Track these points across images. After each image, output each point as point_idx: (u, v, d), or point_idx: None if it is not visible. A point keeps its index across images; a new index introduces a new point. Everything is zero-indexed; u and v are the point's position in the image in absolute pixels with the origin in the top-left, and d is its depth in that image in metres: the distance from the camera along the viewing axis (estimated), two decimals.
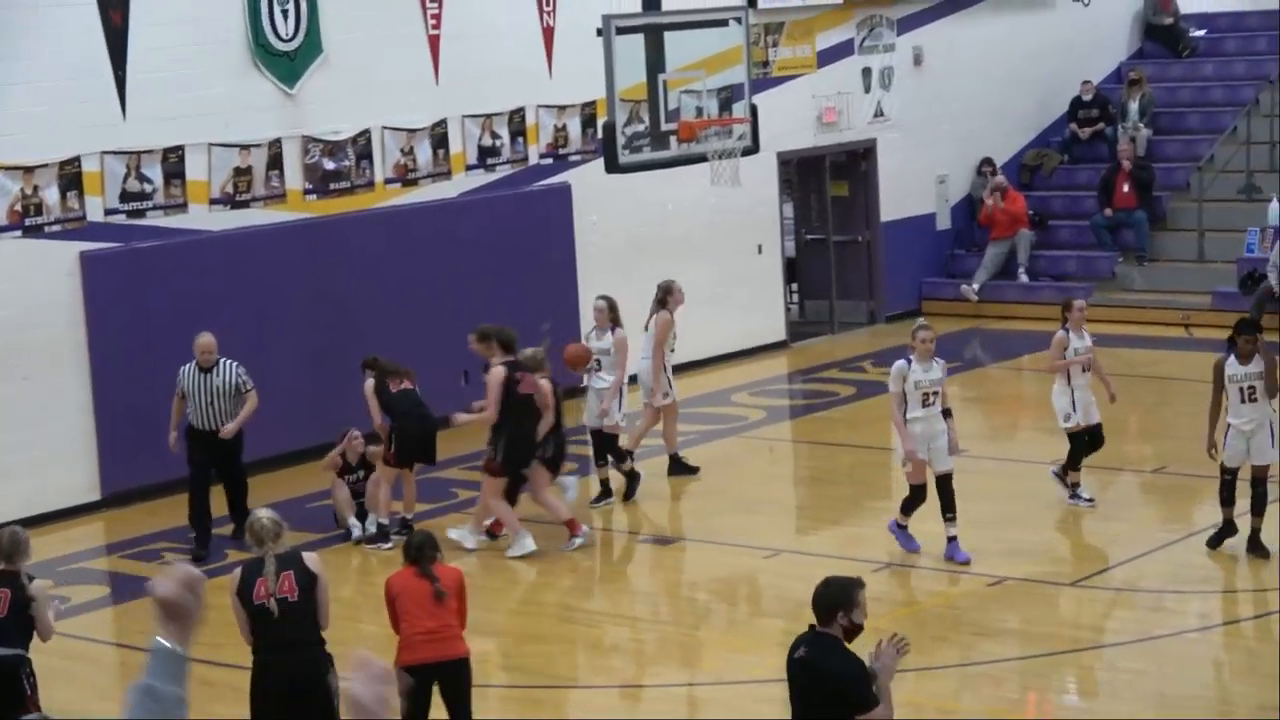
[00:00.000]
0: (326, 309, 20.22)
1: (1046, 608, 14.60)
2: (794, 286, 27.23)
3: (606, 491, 17.93)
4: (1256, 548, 15.26)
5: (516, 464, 16.40)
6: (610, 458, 18.01)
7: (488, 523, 16.87)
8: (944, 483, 15.54)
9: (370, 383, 17.22)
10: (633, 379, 18.54)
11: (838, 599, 9.01)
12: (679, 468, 18.88)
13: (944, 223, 28.01)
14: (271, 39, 19.98)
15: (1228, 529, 15.42)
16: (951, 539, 15.50)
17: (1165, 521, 17.00)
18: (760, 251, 25.20)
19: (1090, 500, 17.08)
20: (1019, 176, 28.52)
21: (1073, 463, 17.17)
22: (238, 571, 10.80)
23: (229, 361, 17.15)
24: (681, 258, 23.74)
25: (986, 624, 14.35)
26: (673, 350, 18.82)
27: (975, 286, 27.17)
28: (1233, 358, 15.31)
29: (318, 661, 10.64)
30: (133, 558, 17.39)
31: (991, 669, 13.45)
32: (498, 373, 16.37)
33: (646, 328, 18.65)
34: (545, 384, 16.61)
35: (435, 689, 11.27)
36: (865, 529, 17.19)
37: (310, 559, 10.82)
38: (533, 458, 16.49)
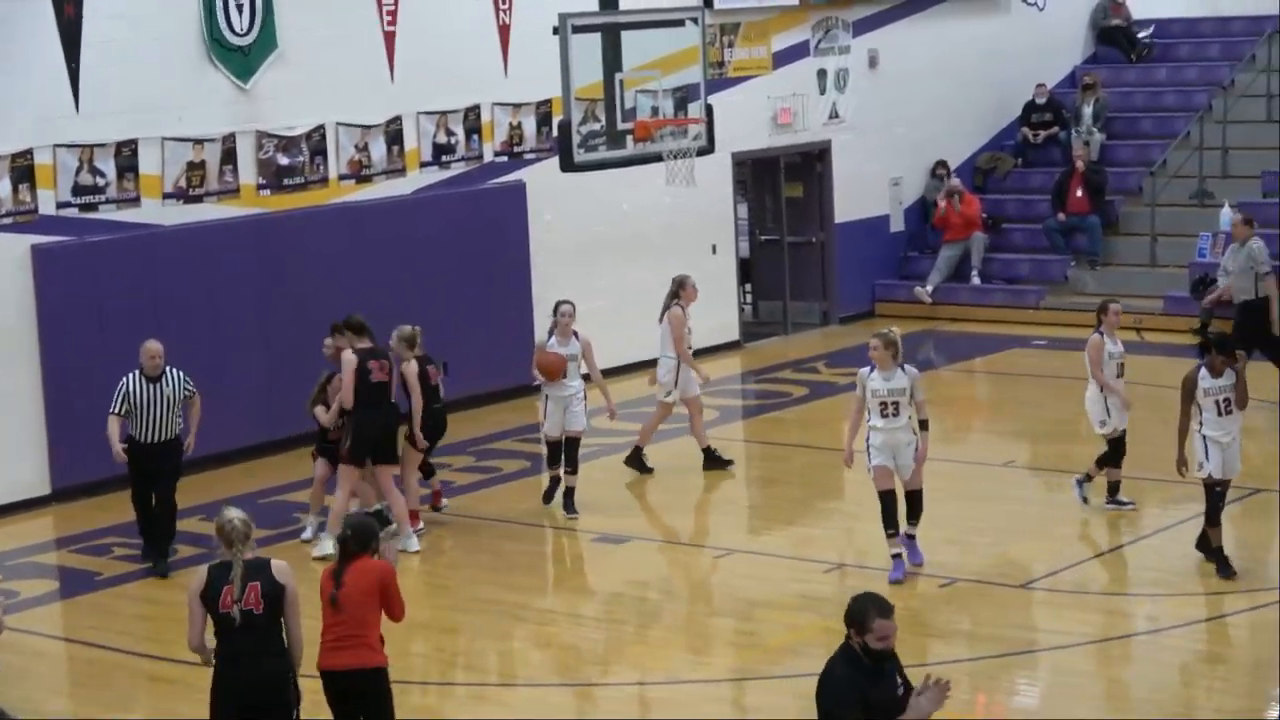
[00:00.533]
0: (280, 304, 20.16)
1: (998, 609, 14.63)
2: (748, 287, 27.26)
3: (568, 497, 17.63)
4: (1221, 563, 15.06)
5: (362, 451, 16.27)
6: (565, 463, 17.51)
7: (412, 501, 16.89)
8: (912, 498, 15.41)
9: (414, 365, 16.86)
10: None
11: (853, 616, 8.78)
12: (713, 462, 18.97)
13: (898, 225, 28.09)
14: (226, 33, 19.91)
15: (1223, 559, 15.03)
16: (910, 537, 15.46)
17: (1116, 524, 17.04)
18: (715, 252, 25.21)
19: (1131, 503, 16.89)
20: (973, 179, 28.62)
21: (1114, 462, 17.00)
22: (204, 572, 10.38)
23: (175, 369, 16.39)
24: (636, 257, 23.76)
25: (938, 625, 14.38)
26: (690, 346, 18.82)
27: (929, 289, 27.24)
28: (1205, 371, 15.05)
29: (278, 674, 10.34)
30: (82, 552, 17.30)
31: (941, 670, 13.44)
32: (349, 359, 16.32)
33: (661, 321, 18.81)
34: (410, 366, 16.64)
35: None
36: (817, 529, 17.22)
37: (279, 568, 10.36)
38: (382, 443, 16.37)
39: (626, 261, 23.73)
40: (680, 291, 18.86)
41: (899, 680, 8.84)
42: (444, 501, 17.79)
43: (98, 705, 13.37)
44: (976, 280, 27.25)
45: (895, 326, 16.43)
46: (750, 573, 15.83)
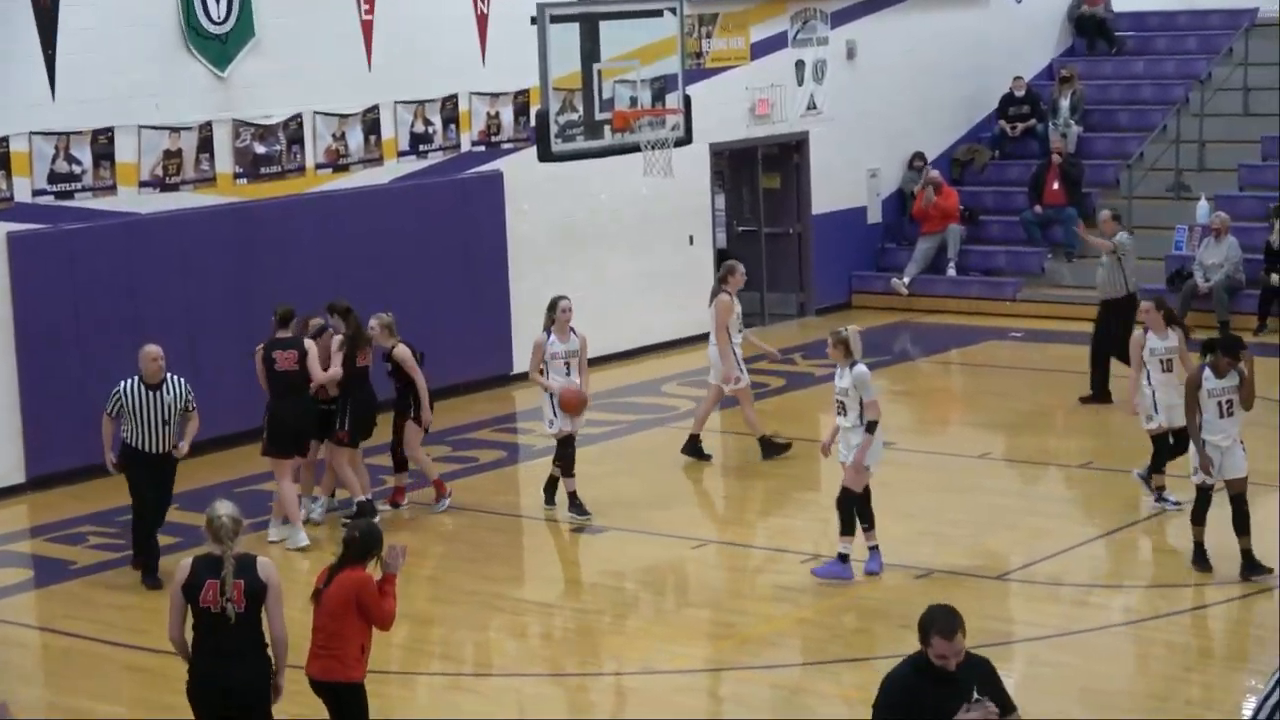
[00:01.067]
0: (256, 293, 20.10)
1: (972, 601, 14.61)
2: None
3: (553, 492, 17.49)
4: (1254, 568, 14.73)
5: (277, 442, 16.44)
6: (556, 461, 17.28)
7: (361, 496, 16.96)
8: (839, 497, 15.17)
9: (404, 349, 17.07)
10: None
11: (919, 625, 8.58)
12: (770, 449, 18.95)
13: (875, 216, 28.11)
14: (203, 21, 19.86)
15: (1202, 555, 14.92)
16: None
17: (1091, 516, 17.08)
18: (691, 243, 25.22)
19: (1177, 504, 16.45)
20: (950, 171, 28.64)
21: (1156, 465, 16.68)
22: (188, 564, 10.29)
23: (176, 377, 15.60)
24: (613, 248, 23.78)
25: (913, 616, 14.25)
26: (740, 331, 18.82)
27: (905, 280, 27.27)
28: (1208, 372, 14.68)
29: (258, 672, 10.28)
30: (57, 541, 17.26)
31: None
32: (258, 351, 16.67)
33: (710, 306, 18.85)
34: (401, 350, 16.82)
35: None
36: (793, 520, 17.23)
37: (264, 565, 10.29)
38: (292, 433, 16.48)
39: (603, 252, 23.73)
40: (729, 277, 18.86)
41: (976, 694, 8.49)
42: (405, 500, 17.78)
43: (74, 694, 13.34)
44: (953, 272, 27.30)
45: (854, 325, 16.27)
46: (726, 564, 15.85)
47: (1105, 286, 20.93)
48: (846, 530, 15.02)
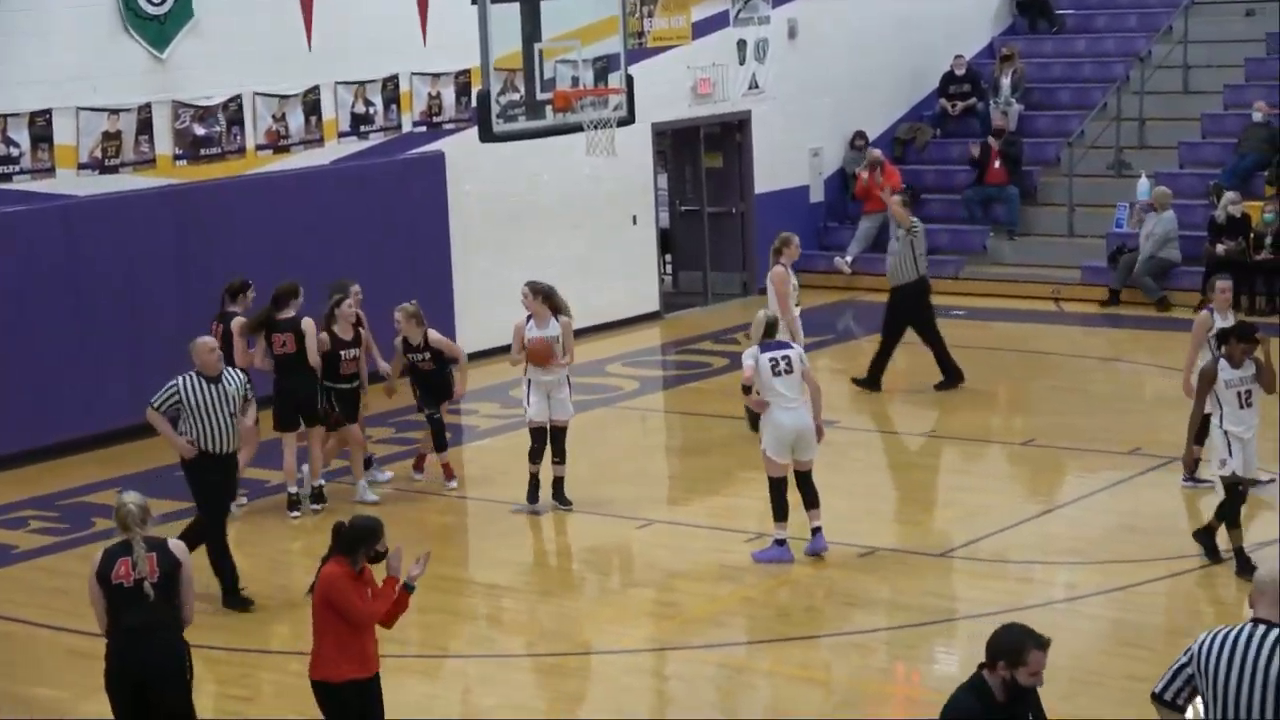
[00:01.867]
0: (197, 275, 20.00)
1: (916, 578, 14.70)
2: (668, 258, 27.28)
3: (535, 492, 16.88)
4: (1245, 567, 14.02)
5: (281, 417, 16.79)
6: (553, 453, 16.70)
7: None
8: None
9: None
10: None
11: (1004, 647, 8.07)
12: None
13: (817, 195, 28.15)
14: (141, 3, 19.75)
15: (1244, 560, 14.12)
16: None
17: (1033, 493, 17.16)
18: (635, 222, 25.21)
19: (1209, 481, 15.71)
20: (892, 150, 28.70)
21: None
22: (99, 555, 10.38)
23: (230, 368, 14.79)
24: (556, 228, 23.74)
25: (857, 594, 14.44)
26: (797, 304, 18.80)
27: (848, 259, 27.31)
28: (1224, 362, 14.24)
29: (173, 645, 10.27)
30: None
31: (861, 639, 13.53)
32: (258, 336, 17.05)
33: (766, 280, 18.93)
34: (309, 332, 16.80)
35: None
36: (738, 499, 17.24)
37: (175, 546, 10.38)
38: (293, 408, 16.74)
39: (546, 232, 23.68)
40: (784, 249, 18.92)
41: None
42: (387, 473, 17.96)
43: (15, 680, 13.28)
44: None
45: (764, 309, 16.12)
46: (671, 543, 15.86)
47: (896, 272, 20.71)
48: (777, 516, 15.04)
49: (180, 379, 14.28)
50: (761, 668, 13.12)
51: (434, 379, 17.39)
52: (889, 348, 20.77)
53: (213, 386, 14.23)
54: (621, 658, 13.35)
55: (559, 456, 16.72)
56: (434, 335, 17.33)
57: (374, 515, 10.60)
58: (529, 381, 16.65)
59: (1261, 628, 7.91)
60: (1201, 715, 8.09)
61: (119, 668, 10.30)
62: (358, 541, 10.18)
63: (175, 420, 14.41)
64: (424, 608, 14.60)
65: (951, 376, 20.67)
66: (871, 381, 20.65)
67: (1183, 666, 8.06)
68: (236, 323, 17.01)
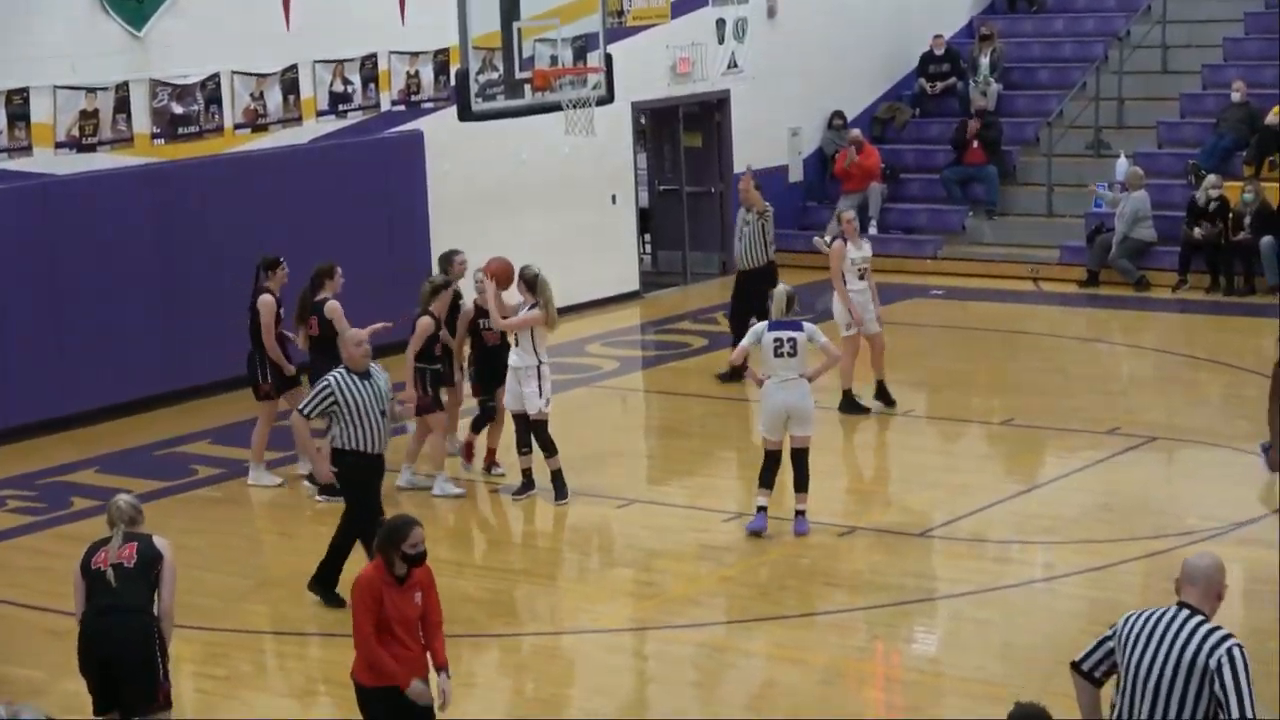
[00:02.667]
0: (174, 255, 19.95)
1: (895, 557, 14.71)
2: (647, 237, 27.24)
3: (529, 483, 16.61)
4: None
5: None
6: (542, 449, 16.39)
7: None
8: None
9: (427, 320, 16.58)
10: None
11: None
12: (851, 406, 18.78)
13: (796, 175, 28.13)
14: None
15: None
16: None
17: (1012, 473, 17.19)
18: (614, 202, 25.18)
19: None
20: (871, 130, 28.68)
21: None
22: (86, 548, 10.45)
23: (374, 363, 13.87)
24: (535, 207, 23.69)
25: (836, 573, 14.45)
26: (861, 279, 18.81)
27: (827, 239, 27.13)
28: None
29: (145, 629, 10.22)
30: None
31: (840, 618, 13.54)
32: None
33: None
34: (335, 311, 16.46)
35: None
36: (717, 479, 17.26)
37: (160, 541, 10.38)
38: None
39: (525, 211, 23.64)
40: (839, 223, 19.13)
41: None
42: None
43: None
44: (874, 230, 27.32)
45: (783, 284, 16.10)
46: (650, 523, 15.85)
47: (745, 256, 20.54)
48: (759, 483, 15.18)
49: (332, 378, 13.47)
50: (741, 647, 13.12)
51: (497, 356, 16.65)
52: (742, 332, 20.43)
53: (365, 383, 13.47)
54: (601, 637, 13.34)
55: (546, 450, 16.30)
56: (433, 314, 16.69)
57: (408, 515, 10.13)
58: (538, 368, 16.21)
59: (1185, 612, 7.99)
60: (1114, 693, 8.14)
61: (85, 646, 10.32)
62: (384, 543, 9.72)
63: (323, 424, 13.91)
64: None
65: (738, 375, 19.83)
66: (734, 374, 19.87)
67: (1105, 640, 8.20)
68: (264, 301, 16.72)
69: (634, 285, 25.66)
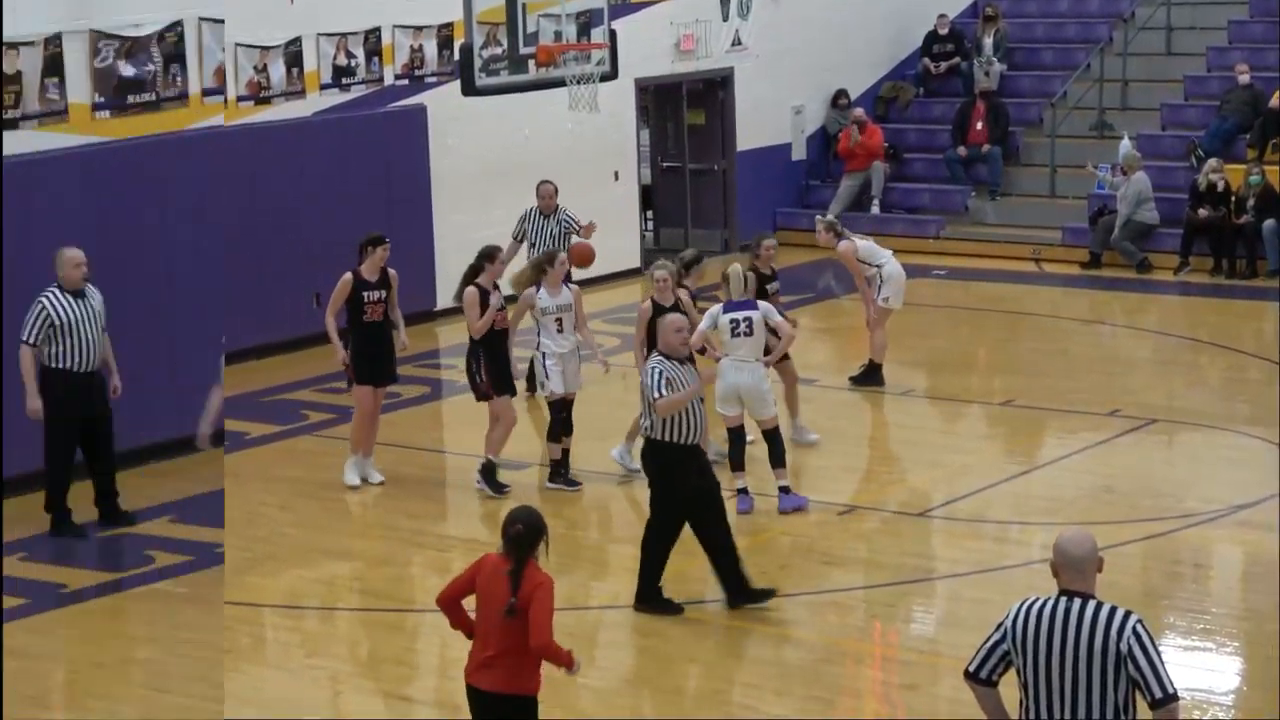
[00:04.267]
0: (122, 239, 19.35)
1: (894, 537, 14.72)
2: (649, 214, 27.22)
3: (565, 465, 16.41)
4: None
5: (358, 373, 16.47)
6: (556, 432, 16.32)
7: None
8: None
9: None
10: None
11: None
12: (868, 378, 19.05)
13: (799, 153, 28.11)
14: None
15: None
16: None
17: (1012, 454, 17.18)
18: (616, 178, 25.16)
19: None
20: (874, 109, 28.65)
21: None
22: None
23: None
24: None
25: (835, 553, 14.45)
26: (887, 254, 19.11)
27: (829, 218, 27.23)
28: None
29: None
30: None
31: (839, 597, 13.54)
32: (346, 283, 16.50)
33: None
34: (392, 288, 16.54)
35: None
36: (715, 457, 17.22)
37: None
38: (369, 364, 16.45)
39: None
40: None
41: None
42: None
43: None
44: (877, 210, 27.32)
45: (735, 264, 16.13)
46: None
47: None
48: (731, 467, 15.29)
49: (655, 362, 13.10)
50: (739, 625, 13.11)
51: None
52: None
53: (684, 367, 13.10)
54: (600, 613, 13.34)
55: (567, 429, 16.30)
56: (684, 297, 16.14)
57: (530, 506, 9.65)
58: (543, 355, 16.23)
59: (1078, 601, 7.78)
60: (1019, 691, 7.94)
61: None
62: (541, 535, 9.22)
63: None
64: (397, 561, 14.63)
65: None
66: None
67: (997, 643, 7.90)
68: (344, 280, 16.39)
69: (636, 262, 25.63)
